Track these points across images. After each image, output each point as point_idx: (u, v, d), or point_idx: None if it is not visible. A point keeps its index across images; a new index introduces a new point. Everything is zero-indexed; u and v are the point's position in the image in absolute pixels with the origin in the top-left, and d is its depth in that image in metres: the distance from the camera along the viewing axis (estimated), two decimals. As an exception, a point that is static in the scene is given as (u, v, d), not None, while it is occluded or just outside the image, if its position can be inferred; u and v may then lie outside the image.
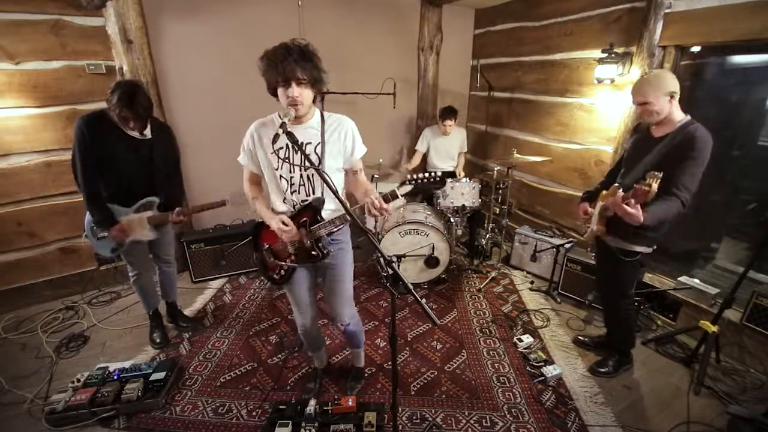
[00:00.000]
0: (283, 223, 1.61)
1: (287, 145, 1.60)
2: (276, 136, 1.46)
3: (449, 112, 3.57)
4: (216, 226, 3.44)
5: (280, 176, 1.65)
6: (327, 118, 1.67)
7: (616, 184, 1.98)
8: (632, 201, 1.63)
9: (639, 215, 1.65)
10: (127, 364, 2.27)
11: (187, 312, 2.90)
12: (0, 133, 2.66)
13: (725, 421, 1.98)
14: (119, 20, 2.73)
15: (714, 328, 2.21)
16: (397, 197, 1.52)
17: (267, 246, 1.81)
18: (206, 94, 3.32)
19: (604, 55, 2.85)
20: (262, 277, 1.99)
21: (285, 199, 1.70)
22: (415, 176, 1.52)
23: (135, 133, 2.07)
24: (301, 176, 1.65)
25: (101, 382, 2.11)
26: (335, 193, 1.42)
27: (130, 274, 2.42)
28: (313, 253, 1.71)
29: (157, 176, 2.21)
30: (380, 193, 1.52)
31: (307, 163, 1.57)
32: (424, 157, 3.92)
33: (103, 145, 2.01)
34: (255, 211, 1.77)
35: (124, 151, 2.07)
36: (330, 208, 1.72)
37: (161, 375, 2.17)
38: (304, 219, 1.67)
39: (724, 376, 2.31)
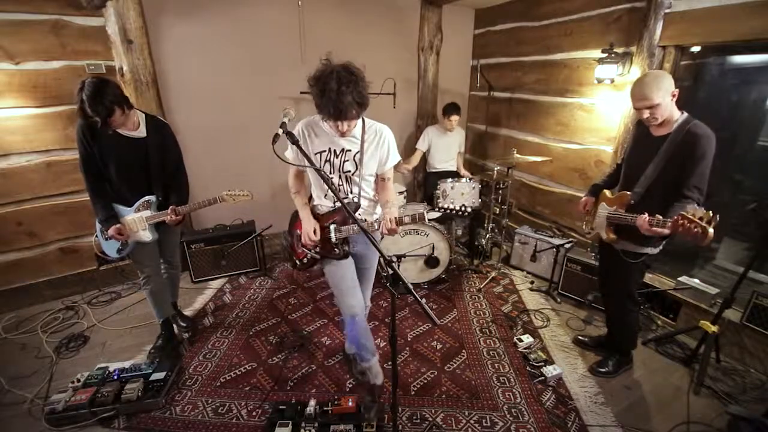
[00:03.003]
0: (315, 233, 1.79)
1: (329, 148, 1.72)
2: (276, 136, 1.47)
3: (454, 108, 3.57)
4: (216, 226, 3.44)
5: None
6: (368, 128, 1.76)
7: (628, 193, 1.96)
8: (666, 229, 1.63)
9: (666, 232, 1.66)
10: (127, 364, 2.27)
11: (187, 312, 2.90)
12: (0, 133, 2.66)
13: (725, 421, 1.98)
14: (119, 20, 2.73)
15: (714, 328, 2.21)
16: (425, 220, 1.70)
17: (299, 232, 1.92)
18: (206, 94, 3.32)
19: (604, 55, 2.85)
20: (287, 261, 2.10)
21: (326, 195, 1.84)
22: (445, 206, 1.70)
23: (130, 133, 2.06)
24: (340, 177, 1.77)
25: (101, 382, 2.11)
26: (338, 196, 1.48)
27: (141, 278, 2.36)
28: (335, 250, 1.84)
29: (155, 175, 2.19)
30: (409, 215, 1.69)
31: (348, 167, 1.74)
32: (424, 155, 3.92)
33: (100, 146, 2.02)
34: (294, 202, 1.91)
35: (121, 151, 2.06)
36: (363, 208, 1.86)
37: (161, 375, 2.17)
38: (336, 218, 1.83)
39: (724, 376, 2.31)
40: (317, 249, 1.87)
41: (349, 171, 1.76)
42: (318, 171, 1.53)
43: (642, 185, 1.91)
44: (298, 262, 1.99)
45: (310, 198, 1.97)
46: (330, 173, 1.75)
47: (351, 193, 1.81)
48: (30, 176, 2.81)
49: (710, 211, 1.47)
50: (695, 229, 1.50)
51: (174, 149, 2.28)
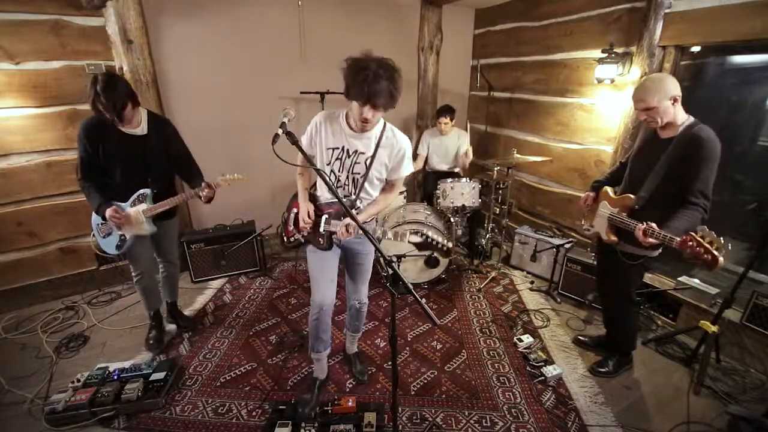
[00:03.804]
0: (308, 216, 1.83)
1: (343, 147, 1.73)
2: (276, 136, 1.47)
3: (444, 110, 3.56)
4: (216, 226, 3.44)
5: (330, 171, 1.78)
6: (386, 131, 1.77)
7: (632, 197, 1.95)
8: (673, 245, 1.60)
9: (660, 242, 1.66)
10: (127, 364, 2.27)
11: (187, 312, 2.89)
12: (0, 133, 2.66)
13: (725, 421, 1.98)
14: (119, 20, 2.73)
15: (714, 328, 2.21)
16: (403, 242, 1.63)
17: (295, 211, 1.97)
18: (206, 94, 3.32)
19: (604, 55, 2.85)
20: (281, 237, 2.12)
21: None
22: (428, 234, 1.58)
23: (131, 130, 2.07)
24: (347, 177, 1.79)
25: (101, 382, 2.11)
26: (336, 194, 1.48)
27: (133, 274, 2.39)
28: (320, 240, 1.86)
29: (154, 171, 2.19)
30: (392, 231, 1.69)
31: (357, 169, 1.76)
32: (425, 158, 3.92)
33: (102, 145, 2.03)
34: (297, 183, 1.94)
35: (122, 149, 2.07)
36: (362, 209, 1.86)
37: (161, 375, 2.17)
38: (330, 211, 1.85)
39: (724, 376, 2.31)
40: (304, 234, 1.91)
41: (358, 173, 1.77)
42: (317, 171, 1.54)
43: (647, 189, 1.89)
44: (285, 239, 2.04)
45: (314, 185, 1.98)
46: (339, 171, 1.77)
47: (354, 194, 1.82)
48: (30, 176, 2.81)
49: (721, 238, 1.44)
50: (705, 255, 1.46)
51: (178, 144, 2.30)
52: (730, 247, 1.44)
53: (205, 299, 3.12)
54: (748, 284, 2.30)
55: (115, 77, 1.92)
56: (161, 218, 2.30)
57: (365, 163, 1.75)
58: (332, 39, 3.58)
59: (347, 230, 1.71)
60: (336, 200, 1.81)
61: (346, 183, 1.80)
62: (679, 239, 1.57)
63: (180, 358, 2.44)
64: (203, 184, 2.22)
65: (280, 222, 2.11)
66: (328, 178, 1.55)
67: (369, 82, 1.46)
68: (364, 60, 1.49)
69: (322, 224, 1.83)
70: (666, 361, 2.46)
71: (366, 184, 1.80)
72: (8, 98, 2.61)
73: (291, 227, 2.00)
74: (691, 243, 1.51)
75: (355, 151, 1.73)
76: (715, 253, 1.45)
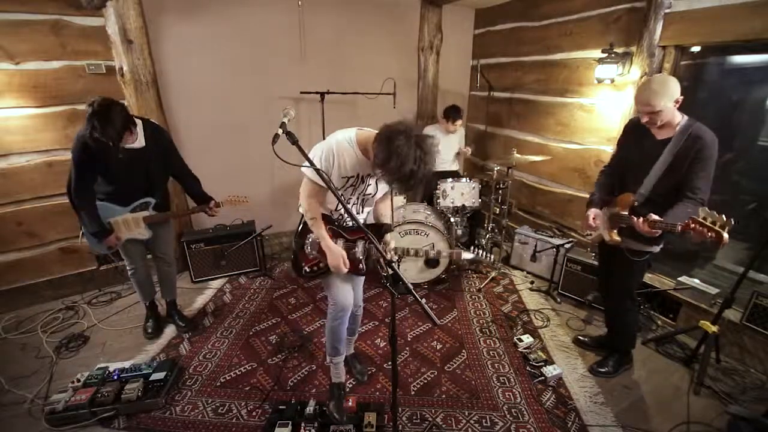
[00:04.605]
0: (344, 263, 1.75)
1: (357, 174, 1.71)
2: (276, 136, 1.47)
3: (457, 112, 3.58)
4: (216, 226, 3.44)
5: (341, 194, 1.73)
6: None
7: (632, 195, 1.95)
8: (673, 231, 1.63)
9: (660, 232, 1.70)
10: (127, 364, 2.27)
11: (187, 312, 2.89)
12: (0, 133, 2.66)
13: (725, 421, 1.98)
14: (119, 20, 2.73)
15: (714, 328, 2.21)
16: (460, 258, 1.78)
17: (312, 237, 1.84)
18: (206, 94, 3.32)
19: (604, 55, 2.85)
20: (293, 270, 2.00)
21: (332, 211, 1.87)
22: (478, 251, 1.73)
23: (131, 144, 2.10)
24: (358, 198, 1.80)
25: (101, 382, 2.11)
26: (342, 201, 1.46)
27: (128, 268, 2.49)
28: (360, 266, 1.86)
29: (155, 180, 2.28)
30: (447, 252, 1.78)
31: (370, 190, 1.78)
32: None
33: (102, 162, 2.06)
34: (312, 229, 1.78)
35: (122, 164, 2.10)
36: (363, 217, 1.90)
37: (161, 375, 2.17)
38: (364, 236, 1.84)
39: (724, 376, 2.31)
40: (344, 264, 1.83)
41: (370, 194, 1.80)
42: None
43: (645, 187, 1.91)
44: (307, 269, 1.89)
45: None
46: (351, 194, 1.76)
47: (360, 213, 1.85)
48: (30, 176, 2.81)
49: (723, 215, 1.47)
50: (709, 233, 1.49)
51: (175, 152, 2.37)
52: (733, 223, 1.45)
53: (205, 299, 3.11)
54: (748, 284, 2.30)
55: (110, 110, 1.89)
56: (157, 222, 2.39)
57: (375, 183, 1.79)
58: (332, 39, 3.58)
59: (396, 253, 1.74)
60: (341, 218, 1.87)
61: (355, 203, 1.82)
62: (681, 224, 1.60)
63: (180, 358, 2.45)
64: (212, 203, 2.46)
65: (293, 250, 1.94)
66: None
67: (415, 185, 1.46)
68: (409, 164, 1.38)
69: (359, 250, 1.83)
70: (666, 361, 2.46)
71: (372, 201, 1.86)
72: (8, 98, 2.62)
73: (312, 254, 1.86)
74: (694, 225, 1.54)
75: (368, 175, 1.73)
76: (719, 230, 1.47)
